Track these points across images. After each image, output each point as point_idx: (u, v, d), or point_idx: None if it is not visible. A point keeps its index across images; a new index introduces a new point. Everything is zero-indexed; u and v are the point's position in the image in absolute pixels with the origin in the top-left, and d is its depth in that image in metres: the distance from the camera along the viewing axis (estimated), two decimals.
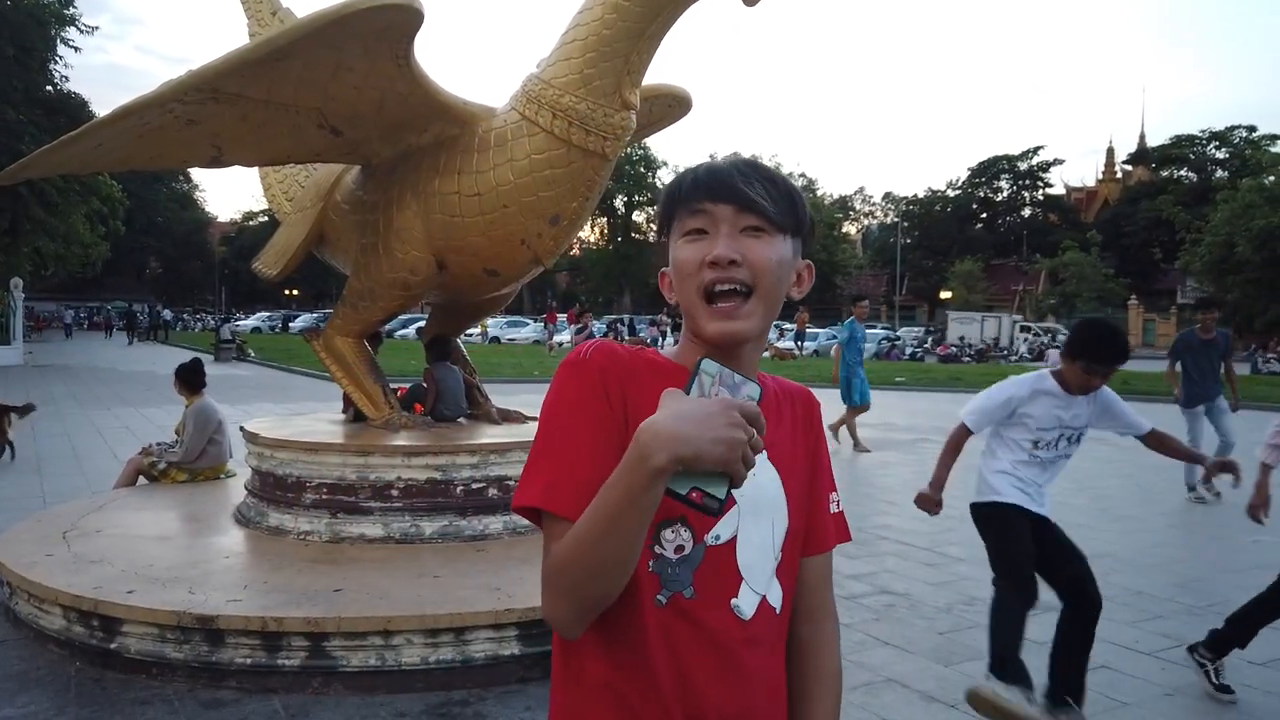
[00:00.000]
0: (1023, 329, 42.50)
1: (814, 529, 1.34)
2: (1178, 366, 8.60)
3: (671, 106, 6.09)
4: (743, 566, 1.21)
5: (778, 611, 1.26)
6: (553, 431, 1.18)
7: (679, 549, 1.17)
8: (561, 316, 40.94)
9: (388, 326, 6.51)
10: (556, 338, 35.81)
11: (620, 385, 1.18)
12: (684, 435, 0.98)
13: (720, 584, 1.19)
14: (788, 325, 40.09)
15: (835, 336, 38.13)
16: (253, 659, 3.77)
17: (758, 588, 1.22)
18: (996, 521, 3.79)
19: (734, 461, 0.99)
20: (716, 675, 1.18)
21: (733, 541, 1.20)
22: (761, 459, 1.20)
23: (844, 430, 11.62)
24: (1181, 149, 58.44)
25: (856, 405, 11.48)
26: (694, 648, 1.17)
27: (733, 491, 1.07)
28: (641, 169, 62.85)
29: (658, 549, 1.17)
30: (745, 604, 1.21)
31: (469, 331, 39.91)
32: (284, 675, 3.75)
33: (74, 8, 27.84)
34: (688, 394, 1.04)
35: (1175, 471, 9.40)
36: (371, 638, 3.76)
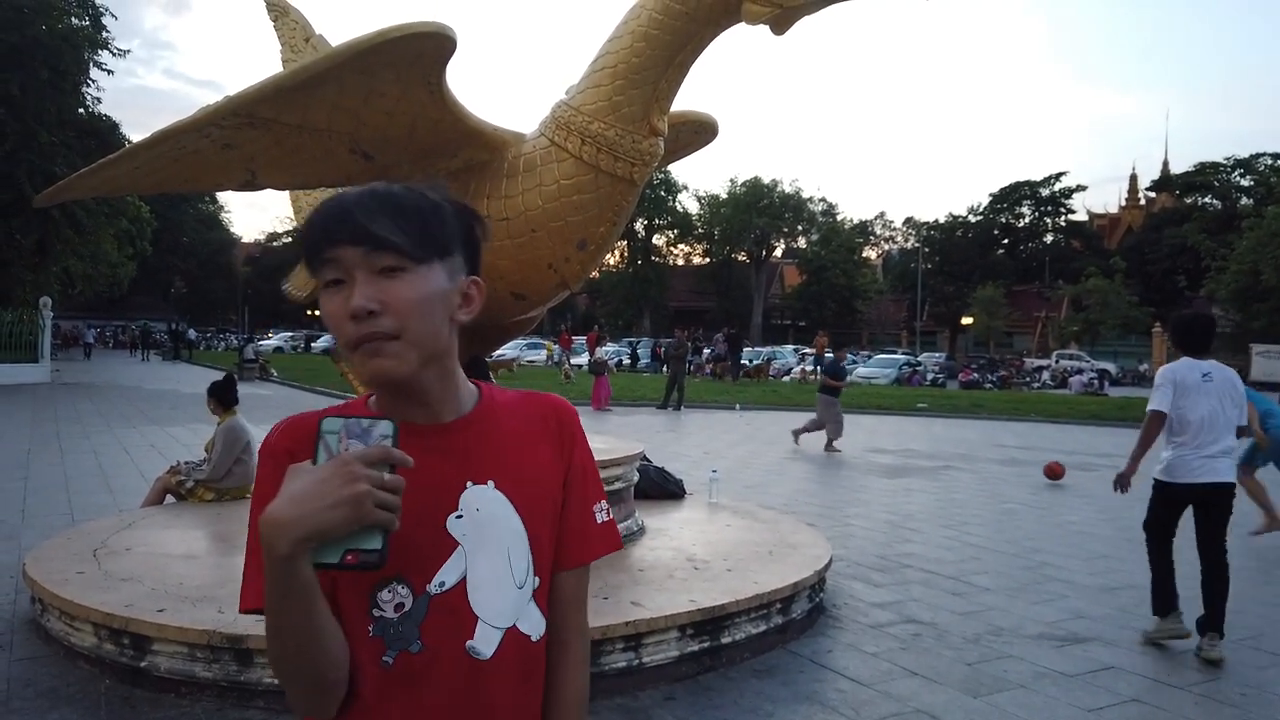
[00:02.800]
0: None
1: (569, 543, 1.28)
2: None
3: (698, 133, 6.12)
4: (476, 606, 1.16)
5: (534, 639, 1.22)
6: (252, 527, 1.11)
7: (399, 607, 1.14)
8: (579, 339, 40.49)
9: None
10: (575, 360, 34.24)
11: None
12: (297, 516, 0.97)
13: (452, 630, 1.15)
14: (808, 350, 39.98)
15: (855, 363, 38.06)
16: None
17: (498, 623, 1.18)
18: None
19: (365, 516, 0.98)
20: None
21: (462, 583, 1.16)
22: (487, 488, 1.19)
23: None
24: (1205, 176, 58.04)
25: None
26: (426, 704, 1.14)
27: (450, 530, 1.08)
28: (662, 192, 63.09)
29: (376, 612, 1.14)
30: (482, 644, 1.17)
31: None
32: None
33: (106, 32, 28.37)
34: (316, 461, 1.02)
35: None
36: None
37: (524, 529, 1.21)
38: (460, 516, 1.16)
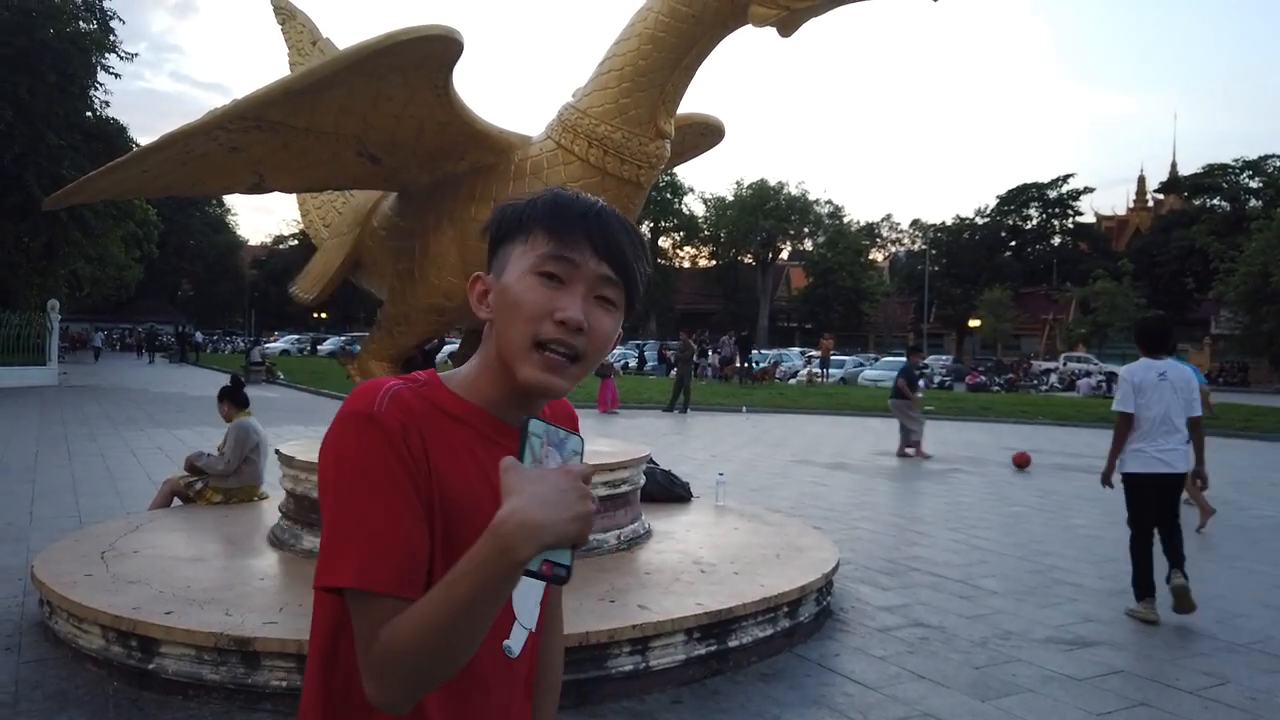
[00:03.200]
0: None
1: None
2: None
3: (705, 135, 6.13)
4: (516, 607, 1.20)
5: (536, 634, 1.26)
6: (354, 499, 1.06)
7: None
8: None
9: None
10: None
11: (420, 440, 1.10)
12: (548, 523, 0.96)
13: (497, 628, 1.14)
14: (813, 352, 39.93)
15: (861, 364, 38.02)
16: (288, 682, 3.78)
17: (527, 622, 1.21)
18: None
19: (586, 535, 0.99)
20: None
21: None
22: None
23: None
24: (1214, 177, 57.85)
25: None
26: (478, 696, 1.16)
27: None
28: (668, 195, 63.13)
29: None
30: (515, 642, 1.20)
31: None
32: None
33: (114, 35, 28.48)
34: (522, 459, 1.02)
35: (1213, 505, 9.23)
36: None
37: None
38: None
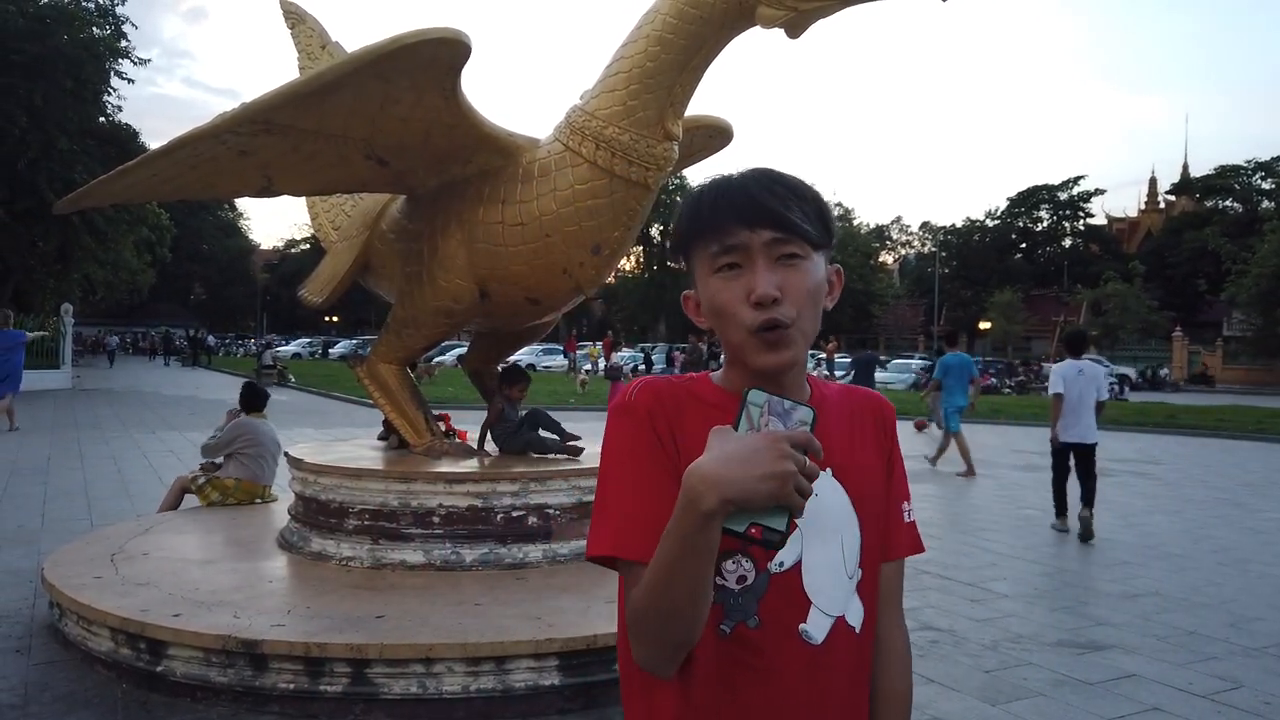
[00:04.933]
0: None
1: (886, 538, 1.31)
2: None
3: (713, 137, 6.11)
4: (810, 590, 1.19)
5: (858, 631, 1.23)
6: (611, 478, 1.18)
7: (740, 579, 1.16)
8: (591, 345, 40.25)
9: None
10: (587, 367, 34.10)
11: (668, 423, 1.18)
12: (729, 477, 0.97)
13: (787, 610, 1.17)
14: (820, 355, 39.78)
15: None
16: (295, 684, 3.78)
17: (829, 610, 1.20)
18: None
19: (787, 495, 0.98)
20: (783, 705, 1.16)
21: (798, 565, 1.18)
22: (825, 476, 1.19)
23: None
24: (1226, 179, 57.59)
25: None
26: (759, 677, 1.15)
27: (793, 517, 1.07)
28: (677, 198, 62.83)
29: (719, 580, 1.15)
30: (814, 628, 1.18)
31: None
32: (326, 701, 3.76)
33: (127, 41, 28.64)
34: (737, 428, 1.03)
35: (1226, 507, 9.19)
36: (413, 665, 3.76)
37: (857, 518, 1.25)
38: None
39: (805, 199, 1.17)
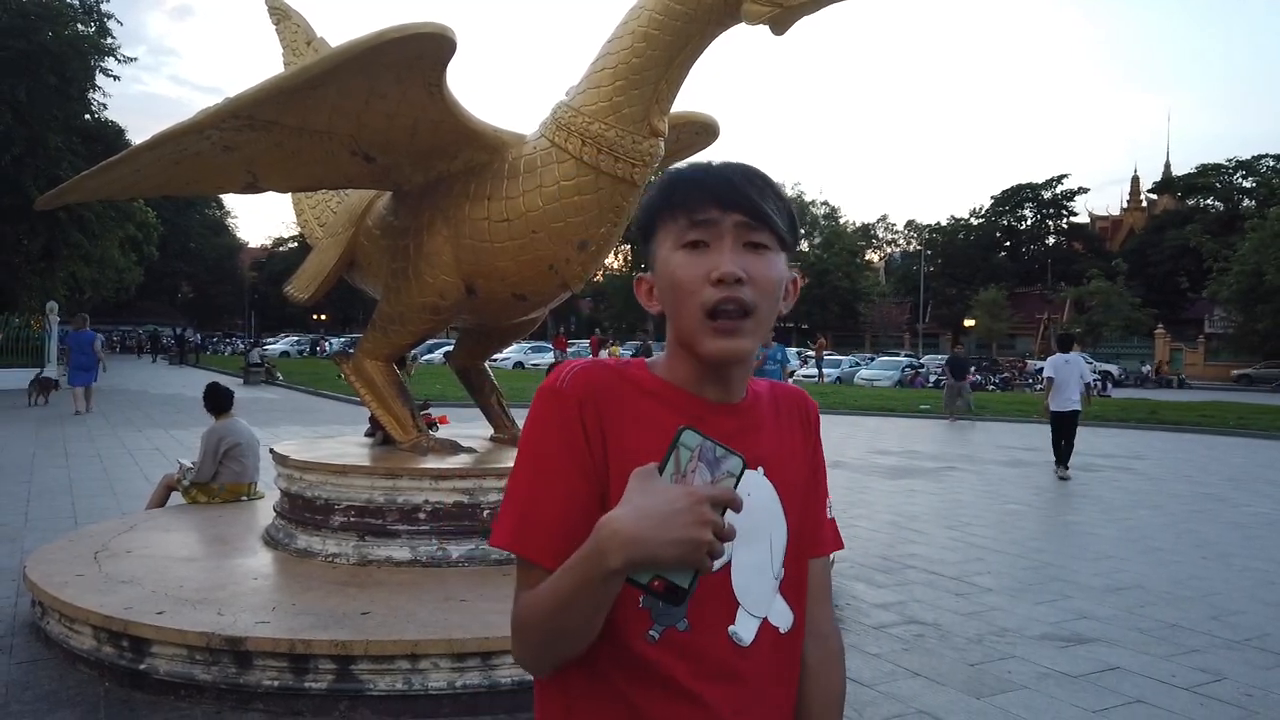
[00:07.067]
0: None
1: (811, 534, 1.29)
2: None
3: (699, 134, 6.12)
4: (738, 591, 1.16)
5: (783, 631, 1.20)
6: (524, 467, 1.14)
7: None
8: (580, 343, 40.20)
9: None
10: None
11: (598, 415, 1.13)
12: (640, 538, 0.95)
13: (717, 612, 1.14)
14: (809, 352, 39.90)
15: (856, 364, 38.00)
16: (280, 681, 3.77)
17: (755, 611, 1.17)
18: None
19: (695, 562, 0.96)
20: (712, 708, 1.12)
21: (727, 567, 1.15)
22: (756, 475, 1.18)
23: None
24: (1207, 178, 57.99)
25: None
26: (690, 683, 1.12)
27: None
28: None
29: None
30: (743, 629, 1.16)
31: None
32: (311, 698, 3.75)
33: (113, 39, 28.44)
34: (662, 470, 0.99)
35: (1208, 502, 9.27)
36: (399, 661, 3.76)
37: (785, 518, 1.22)
38: None
39: (780, 198, 1.17)
